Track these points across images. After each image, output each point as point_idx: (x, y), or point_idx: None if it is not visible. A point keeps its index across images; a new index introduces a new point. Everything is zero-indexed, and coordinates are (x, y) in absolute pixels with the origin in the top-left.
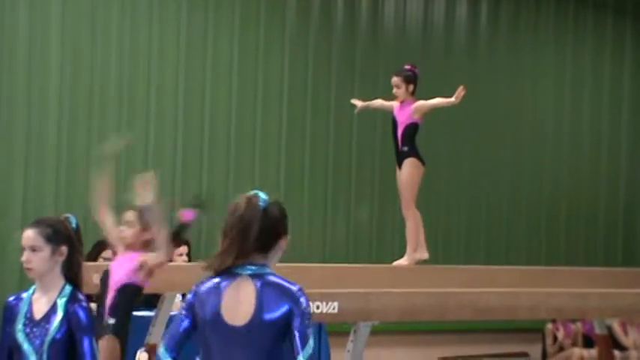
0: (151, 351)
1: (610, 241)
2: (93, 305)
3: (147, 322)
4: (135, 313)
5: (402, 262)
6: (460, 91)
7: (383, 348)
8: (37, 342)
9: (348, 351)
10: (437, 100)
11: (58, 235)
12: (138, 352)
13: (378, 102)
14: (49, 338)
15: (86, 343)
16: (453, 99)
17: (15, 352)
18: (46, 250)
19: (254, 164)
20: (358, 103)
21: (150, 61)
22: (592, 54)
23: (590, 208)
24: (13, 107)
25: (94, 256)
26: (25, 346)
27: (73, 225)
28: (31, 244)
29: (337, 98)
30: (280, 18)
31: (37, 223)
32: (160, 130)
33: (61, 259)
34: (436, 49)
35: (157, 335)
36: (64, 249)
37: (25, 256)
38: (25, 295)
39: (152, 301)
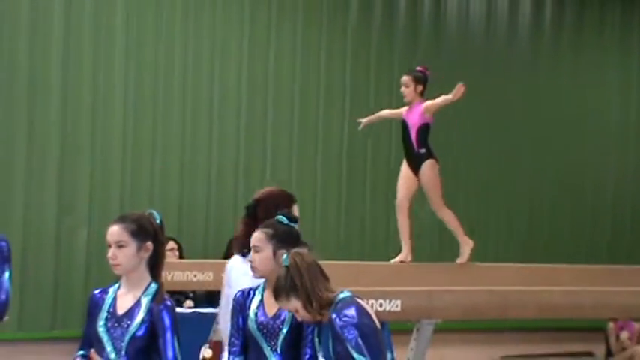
0: (215, 347)
1: None
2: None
3: (210, 318)
4: (198, 309)
5: (461, 259)
6: (459, 88)
7: (445, 346)
8: (118, 337)
9: (412, 349)
10: (441, 98)
11: (144, 230)
12: (202, 348)
13: (386, 112)
14: (129, 335)
15: (168, 341)
16: (450, 96)
17: (95, 344)
18: (132, 246)
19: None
20: (362, 120)
21: (213, 61)
22: None
23: None
24: (80, 105)
25: None
26: (105, 340)
27: (157, 221)
28: (117, 239)
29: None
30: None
31: (123, 219)
32: (223, 126)
33: (146, 255)
34: (500, 47)
35: (220, 332)
36: (149, 245)
37: (111, 252)
38: (110, 289)
39: (215, 298)
